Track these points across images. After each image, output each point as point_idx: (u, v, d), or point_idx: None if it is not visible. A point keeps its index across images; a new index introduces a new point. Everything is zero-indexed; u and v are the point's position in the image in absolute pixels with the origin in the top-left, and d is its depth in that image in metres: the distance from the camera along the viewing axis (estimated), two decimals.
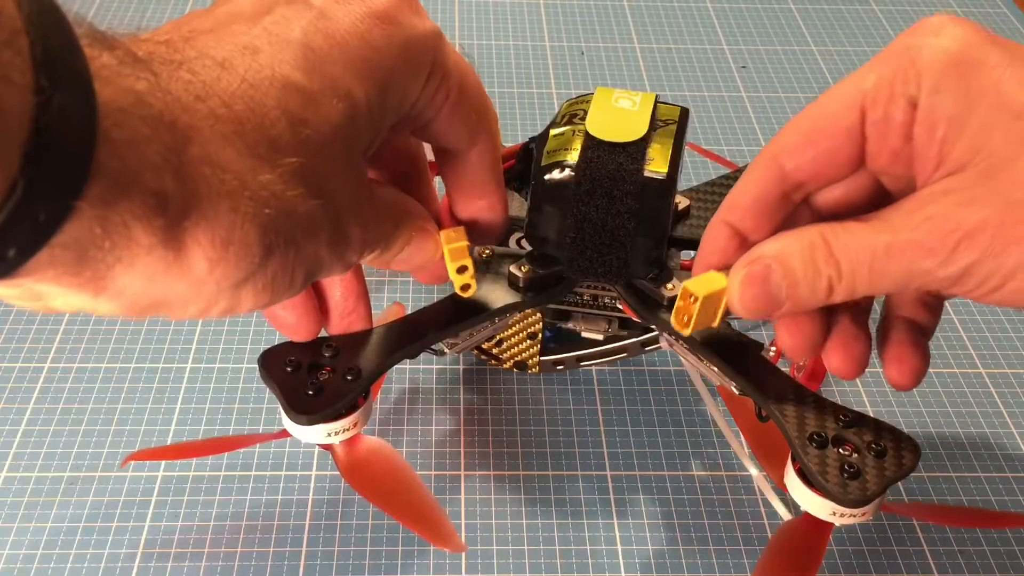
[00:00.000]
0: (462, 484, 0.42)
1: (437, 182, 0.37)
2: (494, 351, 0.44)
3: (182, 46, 0.23)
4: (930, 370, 0.48)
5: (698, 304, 0.31)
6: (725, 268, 0.31)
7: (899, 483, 0.43)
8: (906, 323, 0.33)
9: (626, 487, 0.43)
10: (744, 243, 0.32)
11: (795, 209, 0.32)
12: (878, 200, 0.31)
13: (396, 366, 0.47)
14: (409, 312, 0.39)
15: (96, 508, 0.41)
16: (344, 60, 0.26)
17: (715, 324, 0.32)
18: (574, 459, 0.44)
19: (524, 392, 0.47)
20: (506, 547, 0.40)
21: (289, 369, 0.35)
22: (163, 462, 0.42)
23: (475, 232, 0.35)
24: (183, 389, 0.46)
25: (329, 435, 0.36)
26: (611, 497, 0.42)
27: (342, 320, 0.36)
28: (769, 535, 0.41)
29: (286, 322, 0.34)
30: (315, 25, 0.26)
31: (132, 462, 0.42)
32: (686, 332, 0.32)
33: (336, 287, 0.35)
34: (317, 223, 0.25)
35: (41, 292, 0.21)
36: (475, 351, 0.44)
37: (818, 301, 0.30)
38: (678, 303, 0.31)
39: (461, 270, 0.34)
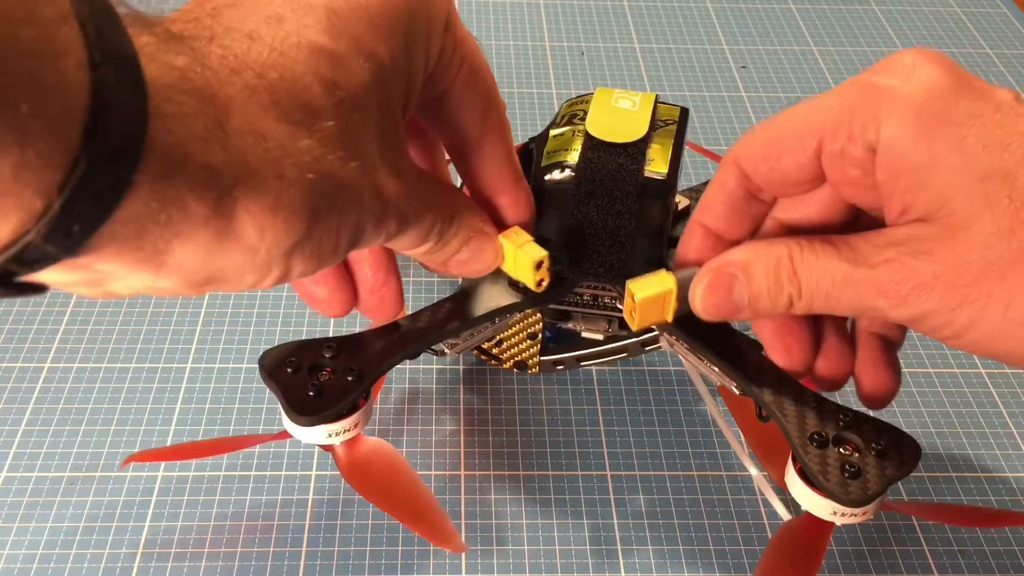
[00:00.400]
0: (462, 484, 0.43)
1: None
2: (494, 351, 0.44)
3: (209, 22, 0.24)
4: (930, 370, 0.48)
5: (638, 304, 0.32)
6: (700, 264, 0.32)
7: (899, 483, 0.43)
8: (874, 338, 0.34)
9: (626, 487, 0.43)
10: (720, 241, 0.33)
11: (772, 206, 0.32)
12: (855, 212, 0.31)
13: (396, 366, 0.47)
14: (408, 312, 0.39)
15: (96, 508, 0.41)
16: (366, 20, 0.26)
17: (668, 319, 0.33)
18: (574, 459, 0.44)
19: (524, 392, 0.47)
20: (506, 547, 0.40)
21: (289, 370, 0.35)
22: (163, 462, 0.42)
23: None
24: (183, 389, 0.46)
25: (330, 436, 0.36)
26: (611, 497, 0.42)
27: (372, 295, 0.35)
28: (769, 535, 0.41)
29: (320, 297, 0.34)
30: None
31: (132, 462, 0.42)
32: (633, 327, 0.33)
33: (365, 264, 0.35)
34: (357, 185, 0.26)
35: (103, 272, 0.21)
36: (475, 351, 0.44)
37: (777, 313, 0.31)
38: (626, 299, 0.32)
39: (538, 266, 0.33)
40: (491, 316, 0.38)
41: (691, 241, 0.33)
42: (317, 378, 0.35)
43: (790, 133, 0.30)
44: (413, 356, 0.37)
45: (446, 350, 0.42)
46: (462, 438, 0.44)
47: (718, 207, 0.32)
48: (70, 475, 0.42)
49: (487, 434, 0.45)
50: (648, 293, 0.32)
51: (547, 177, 0.36)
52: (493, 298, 0.38)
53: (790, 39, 0.74)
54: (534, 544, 0.40)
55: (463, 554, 0.40)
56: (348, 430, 0.36)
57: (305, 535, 0.40)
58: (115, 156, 0.19)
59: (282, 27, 0.24)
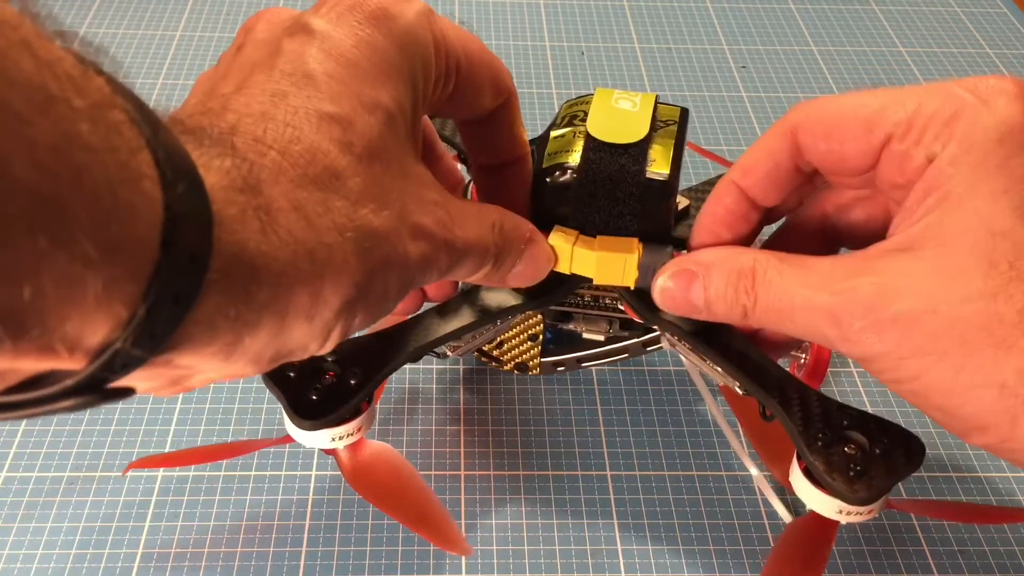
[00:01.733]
0: (462, 484, 0.43)
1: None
2: (495, 353, 0.44)
3: (223, 113, 0.24)
4: None
5: (595, 261, 0.34)
6: (727, 235, 0.33)
7: (899, 482, 0.43)
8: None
9: (626, 487, 0.43)
10: (753, 207, 0.32)
11: (810, 179, 0.32)
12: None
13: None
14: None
15: (96, 508, 0.41)
16: (361, 75, 0.26)
17: (630, 285, 0.34)
18: (574, 459, 0.44)
19: (524, 392, 0.47)
20: (506, 547, 0.40)
21: (292, 374, 0.35)
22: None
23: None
24: None
25: (333, 440, 0.36)
26: (611, 497, 0.42)
27: (437, 291, 0.37)
28: (769, 535, 0.41)
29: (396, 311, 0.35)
30: (323, 52, 0.26)
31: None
32: (595, 280, 0.35)
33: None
34: (396, 231, 0.26)
35: (181, 370, 0.22)
36: (475, 353, 0.44)
37: (733, 320, 0.31)
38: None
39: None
40: (493, 318, 0.38)
41: (723, 199, 0.32)
42: (319, 382, 0.35)
43: (861, 121, 0.29)
44: (415, 359, 0.37)
45: (448, 352, 0.42)
46: (462, 438, 0.44)
47: (759, 172, 0.32)
48: (70, 475, 0.42)
49: (487, 434, 0.45)
50: (607, 252, 0.34)
51: (548, 178, 0.36)
52: (495, 300, 0.38)
53: (790, 39, 0.74)
54: (534, 544, 0.40)
55: (463, 556, 0.40)
56: (352, 434, 0.36)
57: (305, 535, 0.40)
58: (190, 262, 0.20)
59: (288, 103, 0.25)
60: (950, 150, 0.27)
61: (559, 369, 0.45)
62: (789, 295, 0.29)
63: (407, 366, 0.47)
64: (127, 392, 0.21)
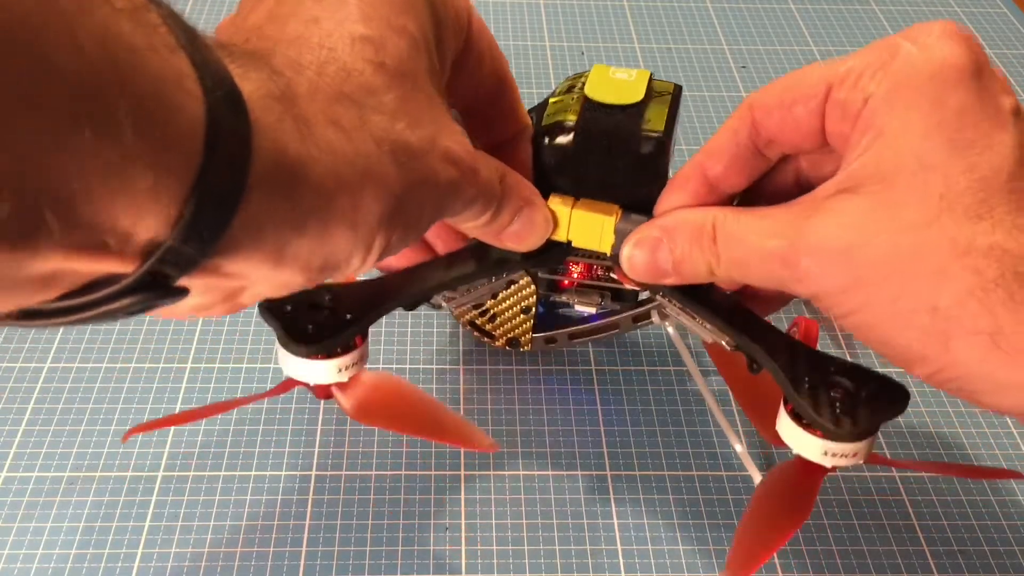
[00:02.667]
0: (462, 484, 0.43)
1: None
2: (487, 327, 0.44)
3: (256, 38, 0.26)
4: None
5: (571, 221, 0.35)
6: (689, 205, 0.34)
7: (899, 482, 0.43)
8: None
9: (626, 487, 0.43)
10: (712, 189, 0.33)
11: (778, 167, 0.33)
12: None
13: (396, 366, 0.47)
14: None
15: (96, 508, 0.41)
16: (388, 2, 0.28)
17: (606, 251, 0.36)
18: (574, 459, 0.44)
19: (524, 392, 0.47)
20: (506, 547, 0.40)
21: (288, 307, 0.36)
22: (163, 462, 0.42)
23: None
24: (183, 389, 0.46)
25: (340, 371, 0.36)
26: (611, 497, 0.42)
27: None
28: None
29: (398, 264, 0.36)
30: None
31: (138, 435, 0.42)
32: (574, 243, 0.36)
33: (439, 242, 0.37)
34: (430, 150, 0.27)
35: (233, 276, 0.23)
36: (468, 327, 0.44)
37: (700, 280, 0.32)
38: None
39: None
40: (488, 271, 0.38)
41: (687, 182, 0.33)
42: (315, 316, 0.36)
43: (805, 82, 0.30)
44: (410, 306, 0.38)
45: (443, 303, 0.42)
46: None
47: (723, 153, 0.32)
48: (70, 475, 0.42)
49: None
50: (586, 212, 0.35)
51: (546, 136, 0.37)
52: (492, 254, 0.38)
53: (790, 39, 0.74)
54: (534, 544, 0.40)
55: (463, 548, 0.40)
56: (350, 366, 0.37)
57: (305, 535, 0.40)
58: (233, 164, 0.21)
59: (321, 27, 0.26)
60: (883, 88, 0.28)
61: (551, 345, 0.45)
62: (746, 245, 0.30)
63: (407, 366, 0.47)
64: (181, 292, 0.22)
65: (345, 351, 0.36)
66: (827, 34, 0.75)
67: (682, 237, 0.31)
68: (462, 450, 0.44)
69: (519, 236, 0.34)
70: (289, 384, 0.38)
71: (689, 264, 0.31)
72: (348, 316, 0.36)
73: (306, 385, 0.37)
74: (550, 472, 0.43)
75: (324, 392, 0.38)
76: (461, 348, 0.48)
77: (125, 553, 0.39)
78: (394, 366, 0.47)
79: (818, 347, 0.45)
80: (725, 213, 0.31)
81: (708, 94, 0.67)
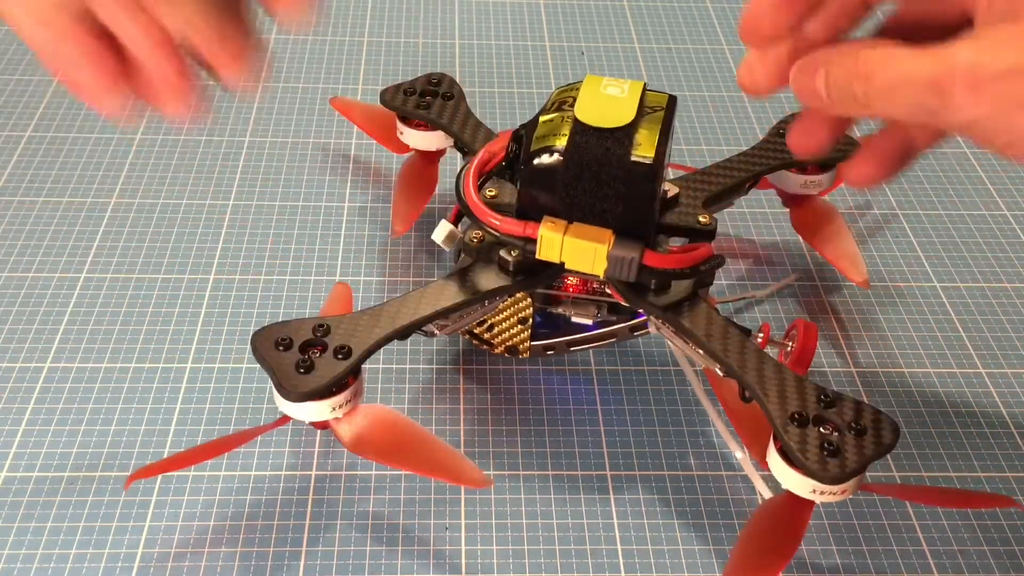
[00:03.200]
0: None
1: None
2: (485, 336, 0.44)
3: None
4: (930, 370, 0.48)
5: (564, 246, 0.36)
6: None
7: (900, 481, 0.43)
8: (900, 136, 0.34)
9: (626, 487, 0.43)
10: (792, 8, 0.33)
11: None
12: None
13: (396, 366, 0.47)
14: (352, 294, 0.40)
15: (96, 508, 0.41)
16: None
17: (600, 275, 0.37)
18: (574, 459, 0.44)
19: (524, 392, 0.47)
20: (506, 547, 0.40)
21: (281, 348, 0.36)
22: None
23: None
24: (183, 389, 0.46)
25: (334, 410, 0.36)
26: (611, 497, 0.42)
27: (166, 85, 0.32)
28: None
29: (81, 82, 0.32)
30: None
31: (139, 474, 0.42)
32: (566, 265, 0.37)
33: (137, 36, 0.31)
34: None
35: None
36: (467, 335, 0.45)
37: (848, 107, 0.31)
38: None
39: None
40: (480, 299, 0.38)
41: None
42: (307, 356, 0.35)
43: None
44: (403, 336, 0.38)
45: (436, 331, 0.42)
46: (462, 438, 0.44)
47: None
48: (70, 475, 0.42)
49: (487, 434, 0.45)
50: (578, 240, 0.36)
51: (536, 161, 0.37)
52: (484, 280, 0.38)
53: None
54: (534, 544, 0.40)
55: (463, 548, 0.40)
56: (345, 404, 0.37)
57: (305, 535, 0.40)
58: None
59: None
60: None
61: (549, 353, 0.45)
62: (895, 70, 0.29)
63: (406, 365, 0.47)
64: None
65: (339, 390, 0.36)
66: None
67: (837, 66, 0.31)
68: (461, 452, 0.44)
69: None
70: (287, 418, 0.38)
71: (839, 90, 0.31)
72: (339, 356, 0.36)
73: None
74: (550, 472, 0.43)
75: (321, 425, 0.38)
76: (461, 348, 0.48)
77: (125, 553, 0.39)
78: (394, 366, 0.47)
79: (817, 348, 0.45)
80: (876, 43, 0.31)
81: (708, 94, 0.67)
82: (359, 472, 0.43)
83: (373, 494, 0.42)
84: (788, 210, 0.53)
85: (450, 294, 0.38)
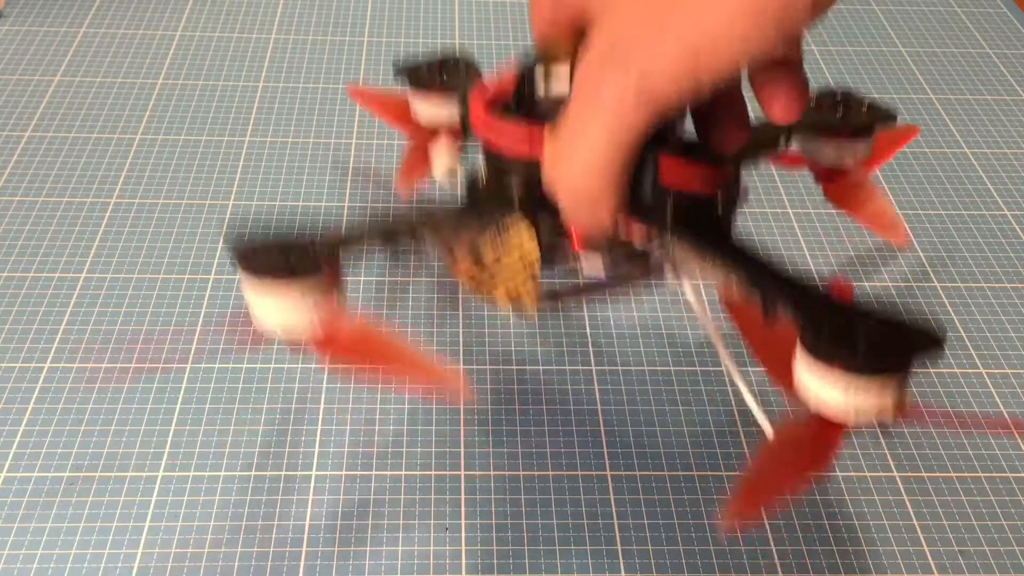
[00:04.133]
0: (462, 484, 0.43)
1: None
2: (486, 278, 0.42)
3: None
4: (930, 370, 0.48)
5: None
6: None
7: (899, 482, 0.43)
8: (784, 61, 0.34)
9: (626, 487, 0.43)
10: None
11: None
12: None
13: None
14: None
15: (96, 508, 0.41)
16: None
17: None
18: (574, 459, 0.44)
19: (524, 392, 0.47)
20: (506, 547, 0.40)
21: (256, 251, 0.35)
22: (163, 462, 0.42)
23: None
24: (183, 389, 0.46)
25: (302, 295, 0.35)
26: (611, 497, 0.42)
27: None
28: (770, 535, 0.41)
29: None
30: None
31: (156, 374, 0.42)
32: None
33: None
34: None
35: None
36: (466, 281, 0.42)
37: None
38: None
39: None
40: (481, 216, 0.37)
41: None
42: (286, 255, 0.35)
43: None
44: (388, 239, 0.37)
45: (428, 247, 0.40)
46: (462, 438, 0.44)
47: None
48: (70, 475, 0.42)
49: (487, 434, 0.45)
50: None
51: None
52: (489, 201, 0.37)
53: None
54: (534, 544, 0.40)
55: (464, 546, 0.40)
56: (323, 294, 0.35)
57: (305, 535, 0.40)
58: None
59: None
60: None
61: (556, 301, 0.43)
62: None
63: None
64: None
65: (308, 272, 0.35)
66: (827, 34, 0.74)
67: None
68: (462, 452, 0.44)
69: None
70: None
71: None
72: (315, 242, 0.35)
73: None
74: (550, 472, 0.43)
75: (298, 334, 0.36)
76: (461, 348, 0.48)
77: (125, 553, 0.39)
78: None
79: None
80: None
81: None
82: (359, 472, 0.43)
83: (373, 494, 0.42)
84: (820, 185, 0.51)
85: (448, 211, 0.37)
